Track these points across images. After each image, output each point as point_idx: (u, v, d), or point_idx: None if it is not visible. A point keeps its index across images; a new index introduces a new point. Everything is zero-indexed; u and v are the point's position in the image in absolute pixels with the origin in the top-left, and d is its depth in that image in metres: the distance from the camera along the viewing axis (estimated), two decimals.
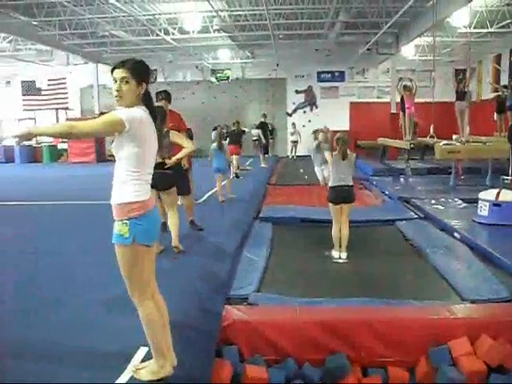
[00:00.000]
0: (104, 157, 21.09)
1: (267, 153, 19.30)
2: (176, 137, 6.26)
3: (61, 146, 22.22)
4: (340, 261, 6.90)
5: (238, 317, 4.65)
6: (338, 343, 4.52)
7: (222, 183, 10.20)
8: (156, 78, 23.37)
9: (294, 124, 23.58)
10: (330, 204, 7.15)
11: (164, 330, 3.25)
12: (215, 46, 21.14)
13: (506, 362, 4.31)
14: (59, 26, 16.93)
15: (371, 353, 4.50)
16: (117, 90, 3.08)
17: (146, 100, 3.18)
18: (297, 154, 22.93)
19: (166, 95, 7.47)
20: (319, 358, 4.48)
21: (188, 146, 6.19)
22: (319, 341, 4.53)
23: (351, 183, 7.10)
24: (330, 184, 7.13)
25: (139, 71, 3.13)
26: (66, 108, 23.77)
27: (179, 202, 7.56)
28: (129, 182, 3.07)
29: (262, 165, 17.40)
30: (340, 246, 7.07)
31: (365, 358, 4.50)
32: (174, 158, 6.92)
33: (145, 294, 3.15)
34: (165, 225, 7.30)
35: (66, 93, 23.35)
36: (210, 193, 10.76)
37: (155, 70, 23.19)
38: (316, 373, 4.40)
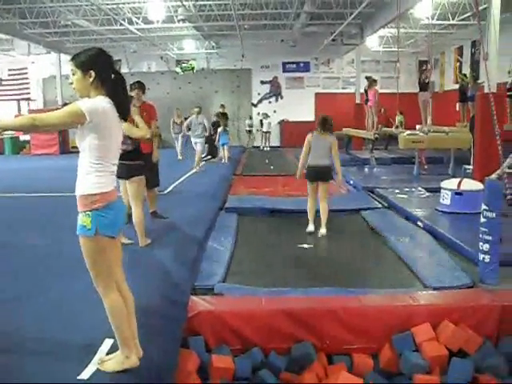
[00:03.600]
0: (67, 148, 20.78)
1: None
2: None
3: (23, 137, 21.80)
4: (306, 246, 6.98)
5: (204, 307, 4.65)
6: (304, 332, 4.56)
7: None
8: (120, 69, 23.07)
9: (265, 114, 23.58)
10: (308, 183, 7.62)
11: (129, 320, 3.24)
12: (180, 36, 20.97)
13: (467, 346, 4.41)
14: (19, 14, 16.56)
15: (336, 341, 4.55)
16: (70, 83, 3.15)
17: (111, 90, 3.15)
18: (270, 145, 23.08)
19: (140, 85, 7.40)
20: (285, 346, 4.52)
21: (142, 129, 6.08)
22: (285, 330, 4.56)
23: (328, 164, 7.52)
24: (308, 163, 7.49)
25: (83, 60, 3.12)
26: (28, 99, 23.33)
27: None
28: (92, 174, 3.04)
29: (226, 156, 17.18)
30: (314, 222, 7.57)
31: (330, 346, 4.55)
32: (155, 154, 7.04)
33: (109, 285, 3.13)
34: (130, 216, 7.25)
35: (28, 83, 22.92)
36: (174, 184, 10.71)
37: (119, 60, 22.90)
38: (282, 361, 4.43)
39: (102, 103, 3.05)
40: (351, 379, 4.01)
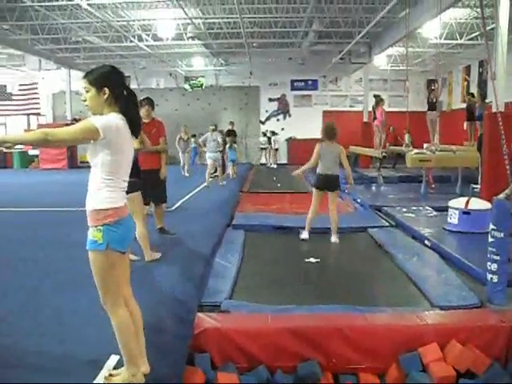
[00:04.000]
0: (76, 163, 20.91)
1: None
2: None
3: (32, 152, 21.95)
4: (313, 260, 6.96)
5: (210, 324, 4.63)
6: (310, 350, 4.53)
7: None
8: (129, 85, 23.20)
9: (272, 132, 23.68)
10: (314, 190, 7.80)
11: (137, 337, 3.23)
12: (189, 53, 21.15)
13: (474, 367, 4.37)
14: (31, 30, 16.78)
15: (342, 359, 4.51)
16: (83, 100, 3.17)
17: (124, 106, 3.18)
18: (278, 162, 23.21)
19: (150, 101, 7.47)
20: (291, 365, 4.48)
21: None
22: (291, 348, 4.53)
23: (337, 173, 7.68)
24: (317, 171, 7.51)
25: (96, 78, 3.15)
26: (38, 114, 23.53)
27: (145, 211, 7.56)
28: (103, 189, 3.06)
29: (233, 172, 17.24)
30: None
31: (336, 365, 4.51)
32: (163, 170, 7.10)
33: (117, 301, 3.13)
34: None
35: (38, 98, 23.12)
36: (182, 200, 10.74)
37: (128, 76, 23.08)
38: (288, 380, 4.40)
39: (115, 120, 3.08)
40: None
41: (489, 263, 5.19)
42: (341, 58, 20.41)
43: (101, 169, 3.06)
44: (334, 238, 7.53)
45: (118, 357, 3.38)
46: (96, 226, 3.04)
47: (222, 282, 5.95)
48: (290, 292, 5.83)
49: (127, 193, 6.28)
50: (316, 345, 4.53)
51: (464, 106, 17.58)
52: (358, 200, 12.06)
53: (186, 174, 16.57)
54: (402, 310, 5.07)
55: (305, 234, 7.62)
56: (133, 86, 23.36)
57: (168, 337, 4.09)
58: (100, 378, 3.22)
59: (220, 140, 14.37)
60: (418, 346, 4.47)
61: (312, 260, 7.00)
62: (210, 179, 13.98)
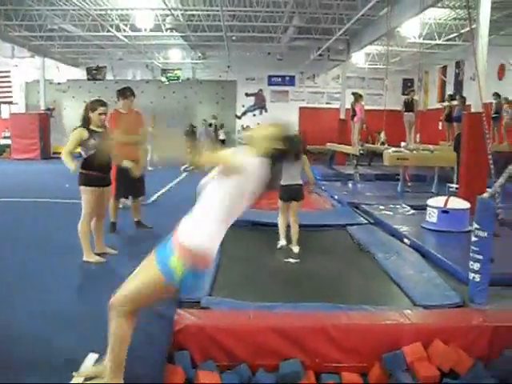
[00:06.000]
0: (49, 154, 20.54)
1: None
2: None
3: (3, 141, 21.52)
4: (292, 260, 6.90)
5: (191, 321, 4.52)
6: (292, 348, 4.45)
7: None
8: (105, 76, 22.96)
9: (248, 127, 23.57)
10: (279, 201, 7.43)
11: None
12: (167, 45, 20.90)
13: (458, 366, 4.35)
14: (5, 16, 16.37)
15: (325, 358, 4.45)
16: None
17: None
18: None
19: (133, 92, 7.34)
20: (273, 363, 4.40)
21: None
22: (273, 346, 4.45)
23: (300, 182, 7.36)
24: (282, 183, 7.24)
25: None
26: (10, 102, 23.04)
27: (120, 205, 7.45)
28: (206, 228, 2.95)
29: None
30: (290, 241, 7.38)
31: (318, 364, 4.45)
32: (142, 162, 6.97)
33: (135, 312, 3.02)
34: (114, 225, 7.16)
35: (10, 86, 22.62)
36: (158, 194, 10.60)
37: (104, 67, 22.79)
38: (269, 378, 4.31)
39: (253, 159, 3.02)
40: None
41: (471, 262, 5.17)
42: (319, 55, 20.37)
43: (218, 205, 2.98)
44: (295, 249, 7.26)
45: (96, 355, 3.28)
46: (183, 263, 2.92)
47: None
48: (270, 289, 5.75)
49: (80, 185, 6.16)
50: (298, 343, 4.46)
51: (440, 106, 17.74)
52: (336, 197, 12.03)
53: (149, 168, 16.24)
54: (384, 308, 5.03)
55: (282, 242, 7.45)
56: (109, 77, 23.11)
57: (147, 334, 3.98)
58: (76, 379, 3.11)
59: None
60: (401, 345, 4.43)
61: (291, 260, 6.93)
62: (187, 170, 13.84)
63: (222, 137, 22.69)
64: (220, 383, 4.15)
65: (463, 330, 4.56)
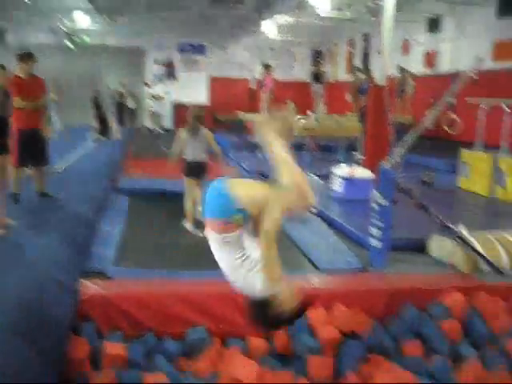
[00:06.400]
0: None
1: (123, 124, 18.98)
2: None
3: None
4: (201, 234, 6.88)
5: (95, 291, 4.47)
6: (198, 316, 4.50)
7: None
8: (5, 38, 21.77)
9: (158, 96, 23.12)
10: (185, 178, 7.26)
11: None
12: (73, 7, 19.98)
13: (358, 328, 4.53)
14: None
15: (231, 324, 4.52)
16: None
17: None
18: (163, 126, 22.63)
19: (34, 57, 6.98)
20: (179, 331, 4.43)
21: None
22: (179, 314, 4.48)
23: (204, 159, 7.19)
24: (184, 157, 7.14)
25: None
26: None
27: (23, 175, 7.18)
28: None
29: (117, 136, 16.81)
30: (194, 221, 7.10)
31: (225, 330, 4.51)
32: (45, 130, 6.65)
33: None
34: (16, 196, 6.88)
35: None
36: (64, 163, 10.26)
37: (4, 29, 21.59)
38: (176, 346, 4.34)
39: None
40: (246, 363, 3.98)
41: (372, 229, 5.37)
42: (230, 24, 20.19)
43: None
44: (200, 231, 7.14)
45: None
46: None
47: (107, 248, 5.77)
48: (176, 259, 5.75)
49: None
50: (204, 310, 4.51)
51: (348, 77, 18.09)
52: (244, 166, 12.09)
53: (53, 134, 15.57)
54: (289, 274, 5.13)
55: (189, 227, 7.25)
56: (10, 40, 21.90)
57: (51, 306, 3.88)
58: None
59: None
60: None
61: (200, 234, 6.90)
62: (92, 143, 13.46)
63: (130, 105, 22.16)
64: (126, 353, 4.13)
65: (363, 294, 4.76)
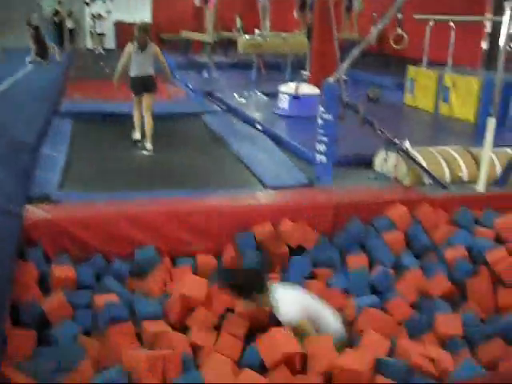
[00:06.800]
0: None
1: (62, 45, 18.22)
2: None
3: None
4: (146, 152, 6.80)
5: (41, 216, 4.38)
6: (146, 235, 4.48)
7: None
8: None
9: (100, 15, 22.10)
10: (132, 94, 7.12)
11: None
12: None
13: (305, 242, 4.62)
14: None
15: (179, 243, 4.54)
16: None
17: None
18: (105, 47, 21.75)
19: None
20: (128, 251, 4.42)
21: None
22: (127, 234, 4.46)
23: (151, 73, 7.03)
24: (131, 74, 6.94)
25: None
26: None
27: None
28: None
29: (57, 57, 16.16)
30: (144, 136, 7.05)
31: (173, 248, 4.53)
32: None
33: None
34: None
35: None
36: (1, 88, 9.84)
37: None
38: (125, 267, 4.34)
39: None
40: (196, 280, 4.01)
41: (317, 144, 5.40)
42: None
43: None
44: (148, 145, 6.93)
45: None
46: None
47: (51, 172, 5.62)
48: (123, 181, 5.69)
49: None
50: (152, 230, 4.49)
51: None
52: (190, 86, 11.88)
53: None
54: (236, 191, 5.16)
55: (136, 135, 7.13)
56: None
57: None
58: None
59: None
60: (252, 225, 4.61)
61: (145, 153, 6.82)
62: (30, 65, 12.90)
63: (69, 25, 21.17)
64: (75, 275, 4.10)
65: (310, 208, 4.81)
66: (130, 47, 6.90)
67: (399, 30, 13.90)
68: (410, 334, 3.76)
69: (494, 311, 4.14)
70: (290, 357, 3.14)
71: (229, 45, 17.41)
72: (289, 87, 8.55)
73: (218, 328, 3.71)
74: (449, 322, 3.76)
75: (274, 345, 3.16)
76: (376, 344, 3.38)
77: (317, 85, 8.51)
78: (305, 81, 9.68)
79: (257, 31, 14.49)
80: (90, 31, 22.53)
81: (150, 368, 3.04)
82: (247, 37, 12.79)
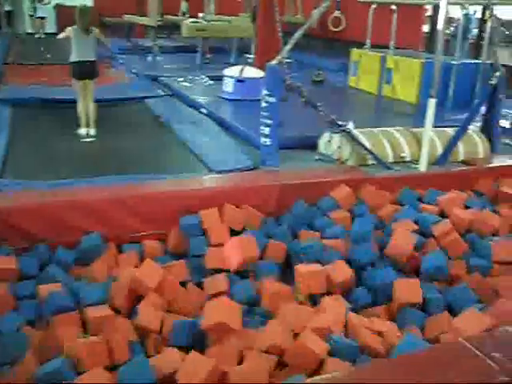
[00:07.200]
0: None
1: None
2: None
3: None
4: (88, 139, 6.70)
5: None
6: (91, 223, 4.40)
7: None
8: None
9: None
10: (74, 80, 6.94)
11: None
12: None
13: (249, 224, 4.62)
14: None
15: (125, 229, 4.49)
16: None
17: None
18: (46, 31, 21.08)
19: None
20: (73, 239, 4.32)
21: None
22: (71, 222, 4.36)
23: (94, 58, 6.89)
24: (72, 59, 6.79)
25: None
26: None
27: None
28: None
29: None
30: (88, 124, 6.91)
31: (119, 235, 4.48)
32: None
33: None
34: None
35: None
36: None
37: None
38: (70, 255, 4.25)
39: None
40: (151, 266, 3.96)
41: (262, 127, 5.42)
42: None
43: None
44: (92, 131, 6.86)
45: None
46: None
47: None
48: (66, 169, 5.58)
49: None
50: (97, 216, 4.42)
51: None
52: (133, 70, 11.71)
53: None
54: (180, 176, 5.15)
55: (82, 131, 6.97)
56: None
57: None
58: None
59: None
60: (197, 209, 4.58)
61: (88, 140, 6.70)
62: None
63: (7, 8, 20.48)
64: (17, 266, 4.00)
65: (255, 191, 4.83)
66: (71, 31, 6.73)
67: (337, 13, 14.10)
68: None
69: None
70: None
71: (173, 29, 17.21)
72: (233, 71, 8.54)
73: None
74: (408, 289, 3.71)
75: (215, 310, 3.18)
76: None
77: (261, 68, 8.52)
78: (250, 64, 9.68)
79: (201, 15, 14.40)
80: (30, 14, 21.81)
81: (91, 355, 3.00)
82: (191, 20, 12.67)
